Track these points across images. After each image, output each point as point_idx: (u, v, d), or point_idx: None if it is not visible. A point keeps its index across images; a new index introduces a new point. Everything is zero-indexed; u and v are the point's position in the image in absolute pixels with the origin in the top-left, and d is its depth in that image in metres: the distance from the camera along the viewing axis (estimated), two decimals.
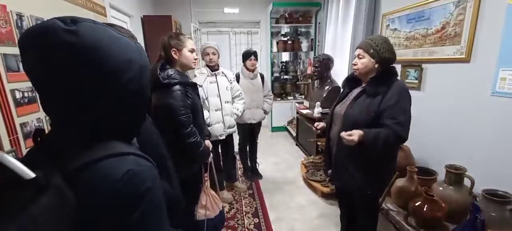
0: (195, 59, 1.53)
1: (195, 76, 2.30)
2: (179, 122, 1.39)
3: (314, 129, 1.69)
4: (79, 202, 0.43)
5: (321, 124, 1.69)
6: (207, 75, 2.28)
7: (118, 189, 0.46)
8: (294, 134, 4.20)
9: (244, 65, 2.66)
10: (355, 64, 1.44)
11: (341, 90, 1.67)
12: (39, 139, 0.51)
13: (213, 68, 2.30)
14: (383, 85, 1.35)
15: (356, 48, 1.46)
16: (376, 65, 1.38)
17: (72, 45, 0.45)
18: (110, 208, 0.45)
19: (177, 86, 1.40)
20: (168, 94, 1.38)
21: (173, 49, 1.45)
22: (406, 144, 2.14)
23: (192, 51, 1.50)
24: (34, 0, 1.46)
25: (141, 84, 0.54)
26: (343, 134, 1.29)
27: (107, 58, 0.48)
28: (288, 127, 4.68)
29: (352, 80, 1.53)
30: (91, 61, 0.47)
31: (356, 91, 1.50)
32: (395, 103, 1.31)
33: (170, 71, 1.42)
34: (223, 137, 2.36)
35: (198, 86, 2.20)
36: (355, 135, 1.26)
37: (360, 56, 1.41)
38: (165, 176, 0.91)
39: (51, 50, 0.45)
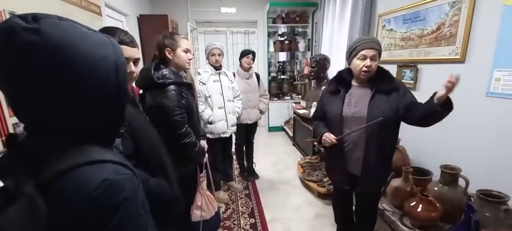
0: (190, 59, 1.52)
1: (199, 73, 2.32)
2: (173, 122, 1.37)
3: (330, 141, 1.49)
4: (52, 211, 0.42)
5: (330, 140, 1.49)
6: (211, 74, 2.30)
7: (93, 199, 0.44)
8: (291, 134, 4.20)
9: (240, 63, 2.66)
10: (369, 66, 1.36)
11: (325, 90, 1.68)
12: (13, 145, 0.49)
13: (217, 67, 2.32)
14: (393, 81, 1.42)
15: (365, 49, 1.36)
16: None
17: (35, 44, 0.42)
18: (84, 218, 0.44)
19: (172, 86, 1.39)
20: (163, 94, 1.37)
21: (167, 49, 1.44)
22: (401, 144, 2.16)
23: (186, 51, 1.49)
24: None
25: (117, 83, 0.51)
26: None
27: (76, 56, 0.45)
28: (285, 127, 4.68)
29: (344, 81, 1.52)
30: (58, 61, 0.44)
31: (359, 92, 1.47)
32: (410, 95, 1.41)
33: (165, 71, 1.41)
34: (227, 135, 2.39)
35: (201, 83, 2.25)
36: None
37: (374, 58, 1.37)
38: (163, 175, 0.91)
39: (12, 52, 0.42)
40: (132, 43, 0.89)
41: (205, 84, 2.26)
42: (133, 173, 0.52)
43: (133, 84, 1.03)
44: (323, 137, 1.51)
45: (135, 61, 0.92)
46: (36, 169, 0.45)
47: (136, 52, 0.91)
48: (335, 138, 1.47)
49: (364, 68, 1.38)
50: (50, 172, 0.44)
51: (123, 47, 0.83)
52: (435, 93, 1.27)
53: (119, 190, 0.47)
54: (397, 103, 1.37)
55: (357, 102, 1.45)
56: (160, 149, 0.92)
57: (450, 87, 1.18)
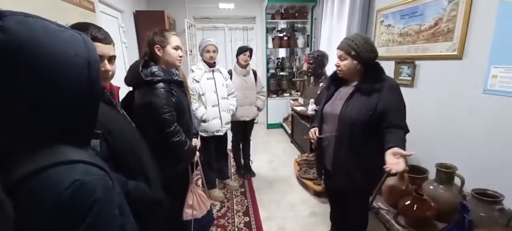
0: (180, 56, 1.49)
1: (193, 71, 2.29)
2: (162, 120, 1.35)
3: (311, 137, 1.59)
4: (22, 213, 0.41)
5: (311, 135, 1.58)
6: (205, 71, 2.27)
7: (62, 200, 0.43)
8: (289, 131, 4.17)
9: (237, 60, 2.63)
10: (338, 66, 1.41)
11: (323, 86, 1.65)
12: None
13: (211, 64, 2.28)
14: (377, 82, 1.33)
15: (337, 48, 1.42)
16: (359, 66, 1.36)
17: (0, 43, 0.41)
18: (54, 220, 0.43)
19: (161, 84, 1.36)
20: (151, 92, 1.34)
21: (157, 46, 1.41)
22: None
23: (176, 48, 1.46)
24: None
25: (89, 81, 0.50)
26: (393, 166, 1.17)
27: (44, 54, 0.44)
28: (284, 124, 4.66)
29: (337, 78, 1.50)
30: (24, 59, 0.43)
31: (345, 90, 1.46)
32: (396, 102, 1.31)
33: (154, 68, 1.38)
34: (221, 133, 2.37)
35: (195, 81, 2.22)
36: (401, 161, 1.18)
37: (342, 58, 1.38)
38: (143, 177, 0.88)
39: None
40: (106, 40, 0.86)
41: (198, 82, 2.24)
42: (106, 174, 0.51)
43: (112, 83, 1.00)
44: (309, 131, 1.59)
45: (110, 59, 0.89)
46: (5, 172, 0.44)
47: (111, 49, 0.88)
48: (317, 135, 1.53)
49: (336, 67, 1.44)
50: (19, 173, 0.43)
51: (96, 44, 0.80)
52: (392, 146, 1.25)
53: (90, 191, 0.46)
54: (376, 104, 1.30)
55: (339, 100, 1.45)
56: (140, 150, 0.89)
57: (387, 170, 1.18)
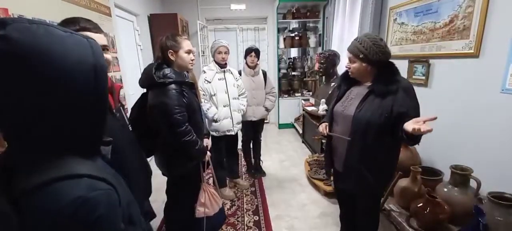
0: (192, 60, 1.53)
1: (204, 72, 2.34)
2: (173, 121, 1.39)
3: (321, 131, 1.60)
4: (24, 228, 0.41)
5: (321, 130, 1.60)
6: (216, 72, 2.31)
7: (65, 218, 0.42)
8: (301, 131, 4.16)
9: (245, 61, 2.66)
10: (348, 68, 1.40)
11: (335, 86, 1.64)
12: None
13: (222, 65, 2.32)
14: (392, 84, 1.29)
15: (347, 50, 1.40)
16: (369, 68, 1.34)
17: (2, 53, 0.40)
18: None
19: (172, 86, 1.40)
20: (163, 93, 1.39)
21: (170, 50, 1.46)
22: None
23: (188, 52, 1.50)
24: (36, 2, 1.51)
25: (95, 88, 0.49)
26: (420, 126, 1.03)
27: (47, 63, 0.43)
28: (295, 124, 4.64)
29: (348, 78, 1.48)
30: (27, 69, 0.42)
31: (357, 90, 1.44)
32: (412, 105, 1.27)
33: (166, 71, 1.43)
34: (233, 133, 2.41)
35: (207, 82, 2.27)
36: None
37: (351, 61, 1.37)
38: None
39: None
40: (95, 29, 0.91)
41: (210, 82, 2.28)
42: (112, 188, 0.50)
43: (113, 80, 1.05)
44: (320, 125, 1.61)
45: (103, 49, 0.92)
46: (12, 183, 0.44)
47: (101, 39, 0.91)
48: (327, 132, 1.54)
49: (347, 69, 1.43)
50: (24, 187, 0.43)
51: (86, 33, 0.84)
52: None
53: (92, 208, 0.44)
54: (391, 108, 1.26)
55: (351, 100, 1.43)
56: (124, 158, 0.87)
57: (416, 131, 1.05)
